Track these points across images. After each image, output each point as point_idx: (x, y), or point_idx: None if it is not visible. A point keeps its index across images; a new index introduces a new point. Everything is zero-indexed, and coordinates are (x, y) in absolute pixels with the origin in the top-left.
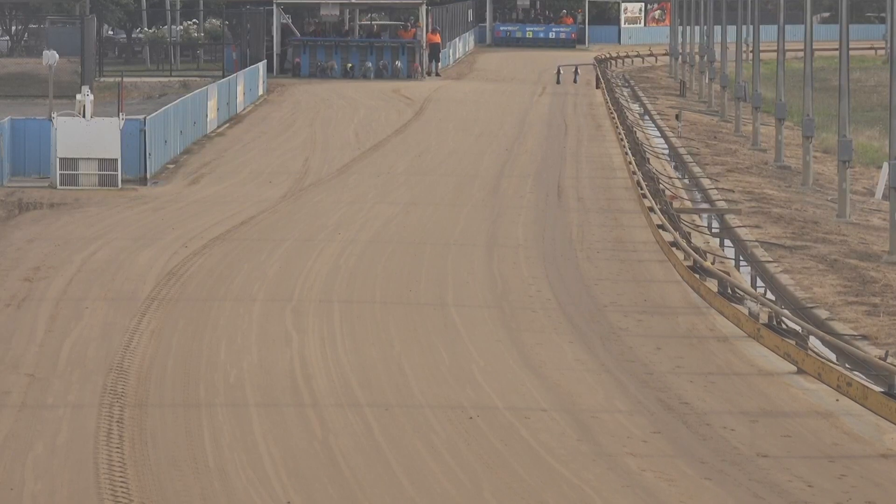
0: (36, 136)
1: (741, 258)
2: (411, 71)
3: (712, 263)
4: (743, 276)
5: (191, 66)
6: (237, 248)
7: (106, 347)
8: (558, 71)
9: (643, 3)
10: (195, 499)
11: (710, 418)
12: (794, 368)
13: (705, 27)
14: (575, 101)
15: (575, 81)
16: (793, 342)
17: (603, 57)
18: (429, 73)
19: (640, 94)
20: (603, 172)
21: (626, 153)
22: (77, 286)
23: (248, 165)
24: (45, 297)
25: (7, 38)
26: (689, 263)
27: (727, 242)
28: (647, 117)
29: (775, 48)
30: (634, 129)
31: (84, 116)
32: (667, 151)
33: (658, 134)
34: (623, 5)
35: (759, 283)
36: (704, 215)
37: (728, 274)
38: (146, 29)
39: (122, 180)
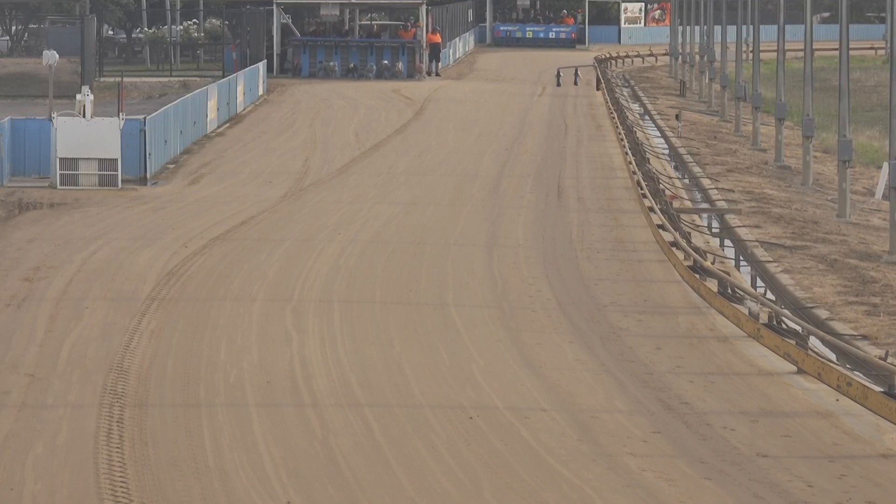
0: (36, 136)
1: (741, 258)
2: (414, 71)
3: (712, 263)
4: (743, 276)
5: (191, 66)
6: (237, 248)
7: (106, 347)
8: (558, 73)
9: (643, 3)
10: (195, 499)
11: (710, 418)
12: (794, 368)
13: (705, 27)
14: (575, 101)
15: (575, 83)
16: (793, 342)
17: (603, 57)
18: (429, 73)
19: (640, 94)
20: (603, 172)
21: (626, 153)
22: (77, 286)
23: (248, 165)
24: (45, 297)
25: (7, 38)
26: (689, 263)
27: (727, 242)
28: (647, 117)
29: (775, 48)
30: (634, 129)
31: (84, 116)
32: (667, 151)
33: (658, 134)
34: (623, 5)
35: (759, 283)
36: (704, 215)
37: (728, 274)
38: (146, 29)
39: (122, 180)
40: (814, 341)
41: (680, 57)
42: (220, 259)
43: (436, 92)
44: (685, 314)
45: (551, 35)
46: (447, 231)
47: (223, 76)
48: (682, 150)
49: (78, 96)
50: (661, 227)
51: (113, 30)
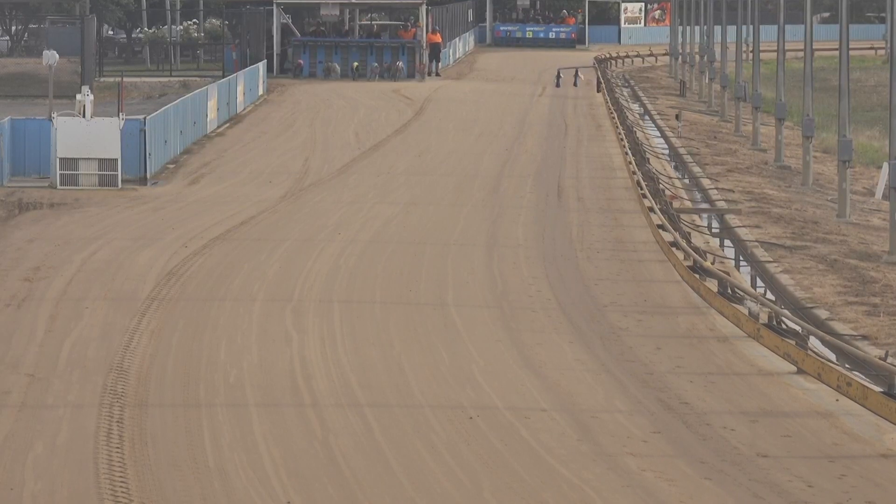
0: (36, 136)
1: (741, 258)
2: (416, 71)
3: (712, 263)
4: (743, 276)
5: (191, 66)
6: (237, 248)
7: (106, 347)
8: (558, 74)
9: (643, 3)
10: (195, 499)
11: (710, 418)
12: (794, 368)
13: (705, 27)
14: (575, 101)
15: (575, 85)
16: (793, 342)
17: (603, 57)
18: (429, 73)
19: (640, 94)
20: (603, 172)
21: (626, 153)
22: (77, 286)
23: (248, 165)
24: (45, 297)
25: (7, 38)
26: (689, 263)
27: (727, 242)
28: (647, 117)
29: (775, 48)
30: (634, 129)
31: (84, 116)
32: (667, 151)
33: (658, 134)
34: (623, 5)
35: (759, 283)
36: (704, 215)
37: (728, 274)
38: (146, 29)
39: (122, 180)
40: (814, 341)
41: (680, 57)
42: (220, 259)
43: (436, 92)
44: (685, 314)
45: (551, 35)
46: (447, 231)
47: (223, 76)
48: (682, 150)
49: (78, 96)
50: (661, 227)
51: (113, 30)
